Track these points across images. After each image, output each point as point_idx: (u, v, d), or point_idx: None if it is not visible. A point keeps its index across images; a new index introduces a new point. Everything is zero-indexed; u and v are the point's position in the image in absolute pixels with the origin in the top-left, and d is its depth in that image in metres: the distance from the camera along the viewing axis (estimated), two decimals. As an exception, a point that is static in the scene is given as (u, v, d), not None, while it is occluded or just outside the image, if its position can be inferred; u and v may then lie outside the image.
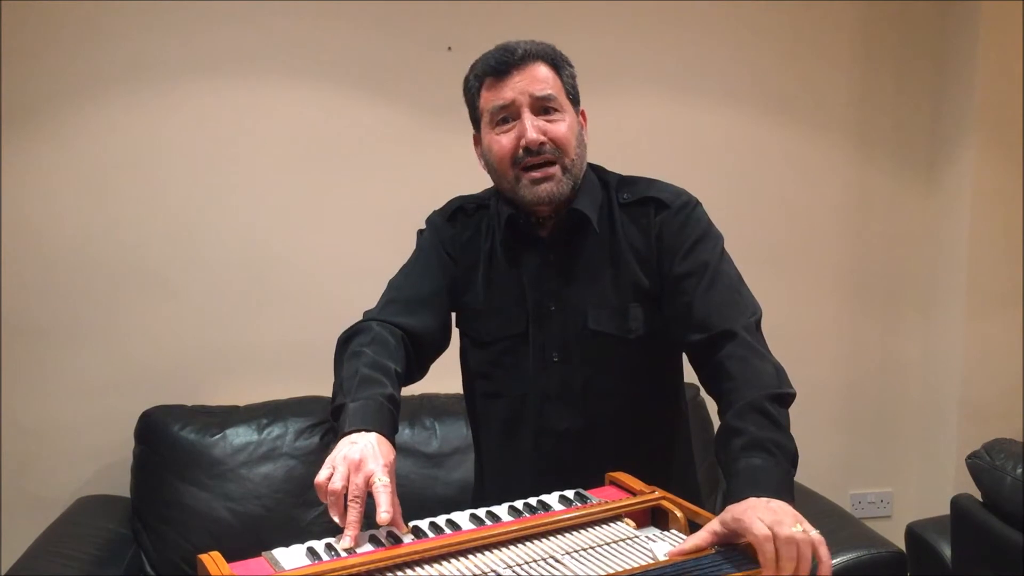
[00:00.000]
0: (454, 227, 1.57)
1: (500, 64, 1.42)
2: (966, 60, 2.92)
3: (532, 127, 1.40)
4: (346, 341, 1.43)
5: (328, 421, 2.51)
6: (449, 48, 2.67)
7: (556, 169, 1.42)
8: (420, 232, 1.61)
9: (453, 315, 1.57)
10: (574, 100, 1.49)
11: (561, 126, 1.43)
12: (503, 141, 1.43)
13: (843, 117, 2.99)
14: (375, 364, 1.35)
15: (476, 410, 1.61)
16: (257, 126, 2.61)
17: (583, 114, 1.52)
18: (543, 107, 1.42)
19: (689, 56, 2.86)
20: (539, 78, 1.42)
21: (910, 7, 2.98)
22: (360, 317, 1.50)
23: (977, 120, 2.89)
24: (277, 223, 2.65)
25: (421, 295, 1.51)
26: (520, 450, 1.53)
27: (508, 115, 1.43)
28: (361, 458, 1.18)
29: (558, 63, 1.46)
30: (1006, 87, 2.88)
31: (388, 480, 1.16)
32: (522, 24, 2.68)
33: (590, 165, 1.53)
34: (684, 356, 1.56)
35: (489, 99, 1.44)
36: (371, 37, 2.65)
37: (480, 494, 1.62)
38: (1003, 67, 2.87)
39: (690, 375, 1.59)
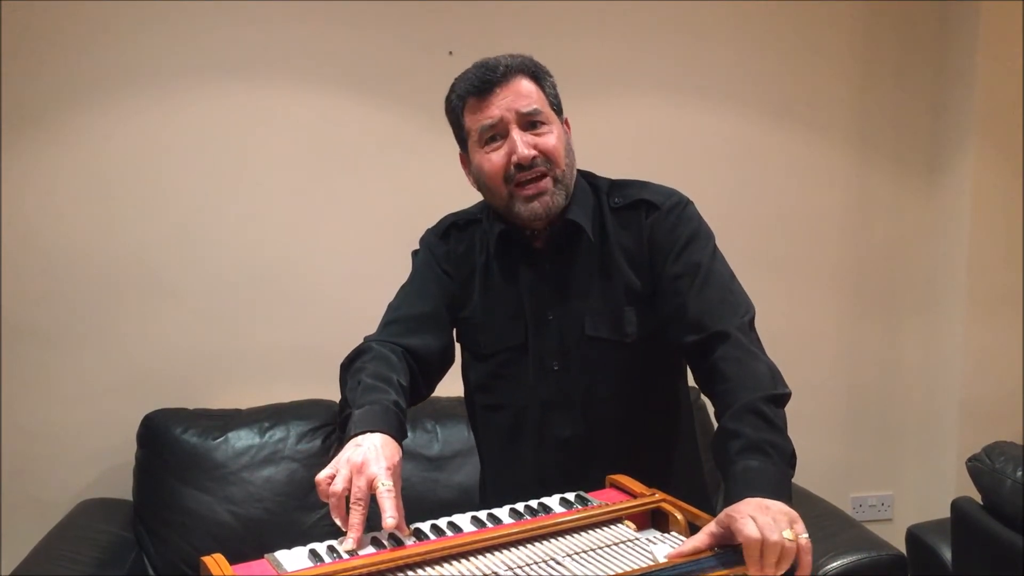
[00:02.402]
0: (447, 243, 1.57)
1: (482, 83, 1.42)
2: (966, 61, 2.92)
3: (522, 143, 1.40)
4: (349, 363, 1.43)
5: (330, 424, 2.52)
6: (451, 53, 2.67)
7: (548, 182, 1.42)
8: (415, 252, 1.61)
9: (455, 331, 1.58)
10: (557, 110, 1.48)
11: (550, 138, 1.43)
12: (494, 159, 1.43)
13: (843, 119, 3.00)
14: (377, 375, 1.35)
15: (478, 423, 1.62)
16: (258, 130, 2.62)
17: (567, 122, 1.51)
18: (530, 122, 1.42)
19: (688, 58, 2.86)
20: (523, 93, 1.42)
21: (910, 7, 2.99)
22: (361, 325, 1.51)
23: (977, 122, 2.89)
24: (278, 226, 2.66)
25: (420, 314, 1.51)
26: (523, 460, 1.53)
27: (496, 133, 1.42)
28: (364, 460, 1.18)
29: (539, 75, 1.46)
30: (1006, 88, 2.89)
31: (391, 484, 1.16)
32: (523, 28, 2.69)
33: (580, 172, 1.53)
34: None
35: (475, 119, 1.43)
36: (373, 41, 2.66)
37: (485, 506, 1.62)
38: (1003, 68, 2.87)
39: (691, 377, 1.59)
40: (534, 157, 1.41)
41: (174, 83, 2.56)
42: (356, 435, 1.23)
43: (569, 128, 1.51)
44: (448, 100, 1.49)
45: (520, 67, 1.43)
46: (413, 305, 1.52)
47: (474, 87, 1.43)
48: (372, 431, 1.24)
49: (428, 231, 1.62)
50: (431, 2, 2.67)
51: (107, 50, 2.51)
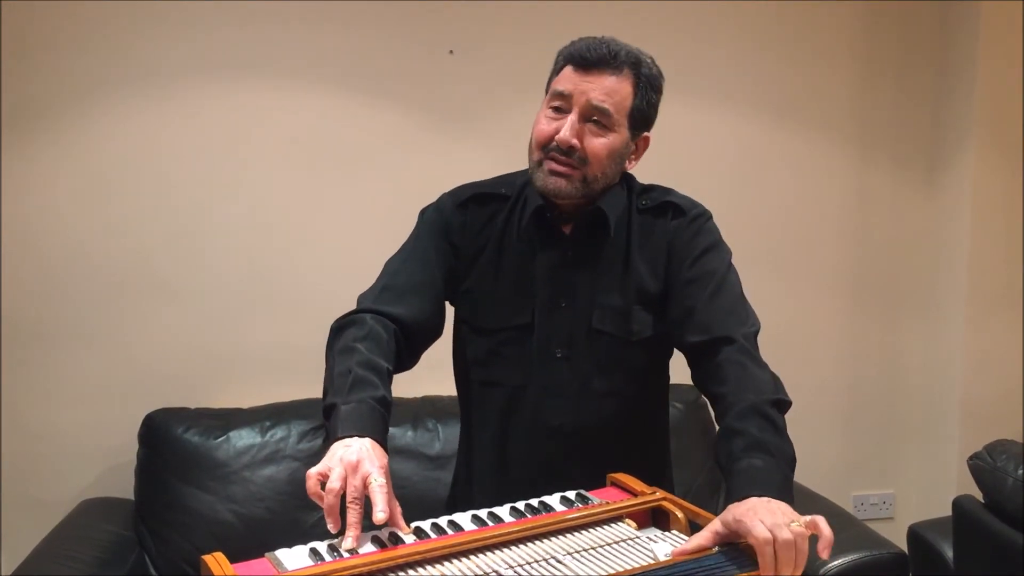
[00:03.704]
0: (464, 215, 1.56)
1: (582, 59, 1.44)
2: (966, 61, 2.92)
3: (571, 130, 1.42)
4: (339, 330, 1.43)
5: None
6: (451, 52, 2.68)
7: (576, 173, 1.44)
8: (422, 212, 1.60)
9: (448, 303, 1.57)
10: (637, 123, 1.47)
11: (600, 141, 1.43)
12: (544, 125, 1.45)
13: (843, 119, 3.00)
14: (368, 363, 1.34)
15: (471, 398, 1.60)
16: (258, 129, 2.62)
17: (646, 139, 1.52)
18: (594, 117, 1.43)
19: (688, 58, 2.86)
20: (607, 89, 1.42)
21: (910, 7, 2.99)
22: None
23: (977, 122, 2.89)
24: (279, 226, 2.66)
25: (417, 283, 1.51)
26: (511, 442, 1.53)
27: (562, 105, 1.44)
28: (358, 459, 1.18)
29: (640, 82, 1.45)
30: (1006, 88, 2.89)
31: (384, 481, 1.17)
32: (523, 28, 2.69)
33: (623, 174, 1.54)
34: (670, 362, 1.59)
35: (558, 81, 1.46)
36: (373, 40, 2.65)
37: (466, 486, 1.62)
38: (1003, 68, 2.88)
39: (686, 377, 1.59)
40: (572, 147, 1.42)
41: (174, 83, 2.55)
42: (344, 437, 1.23)
43: (645, 146, 1.52)
44: (560, 50, 1.50)
45: (624, 64, 1.44)
46: (411, 273, 1.52)
47: (575, 57, 1.45)
48: (360, 435, 1.24)
49: (446, 196, 1.60)
50: (431, 2, 2.67)
51: (107, 50, 2.51)
